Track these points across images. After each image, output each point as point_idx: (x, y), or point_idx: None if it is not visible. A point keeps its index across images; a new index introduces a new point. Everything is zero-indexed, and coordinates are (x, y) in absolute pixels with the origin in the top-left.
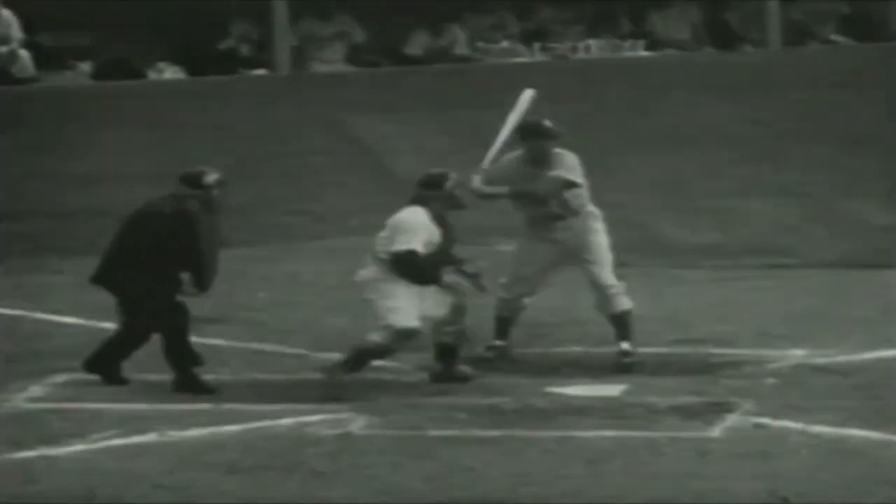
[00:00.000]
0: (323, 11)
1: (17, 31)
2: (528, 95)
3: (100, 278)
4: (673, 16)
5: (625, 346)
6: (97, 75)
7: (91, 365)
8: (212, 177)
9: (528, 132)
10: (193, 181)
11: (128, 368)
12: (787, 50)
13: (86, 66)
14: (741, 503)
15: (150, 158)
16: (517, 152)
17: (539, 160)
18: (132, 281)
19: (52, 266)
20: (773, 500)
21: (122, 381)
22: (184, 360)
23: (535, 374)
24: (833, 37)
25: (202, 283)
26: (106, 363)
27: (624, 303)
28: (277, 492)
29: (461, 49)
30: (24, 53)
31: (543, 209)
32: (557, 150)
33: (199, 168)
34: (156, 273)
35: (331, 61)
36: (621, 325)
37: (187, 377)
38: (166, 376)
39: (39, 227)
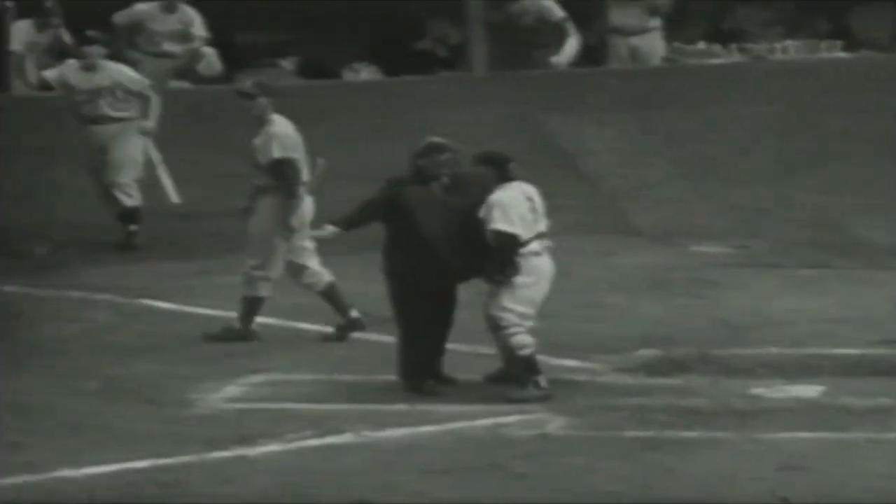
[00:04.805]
0: None
1: (199, 29)
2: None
3: (385, 269)
4: (872, 16)
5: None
6: (297, 74)
7: (406, 379)
8: (419, 146)
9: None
10: (415, 152)
11: (327, 368)
12: None
13: (288, 64)
14: None
15: (340, 158)
16: None
17: (255, 122)
18: (402, 271)
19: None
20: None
21: (449, 382)
22: (416, 362)
23: (732, 376)
24: None
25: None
26: (419, 367)
27: (262, 289)
28: (474, 493)
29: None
30: (209, 51)
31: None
32: (275, 117)
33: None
34: (417, 256)
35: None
36: (247, 306)
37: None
38: (361, 376)
39: (233, 226)
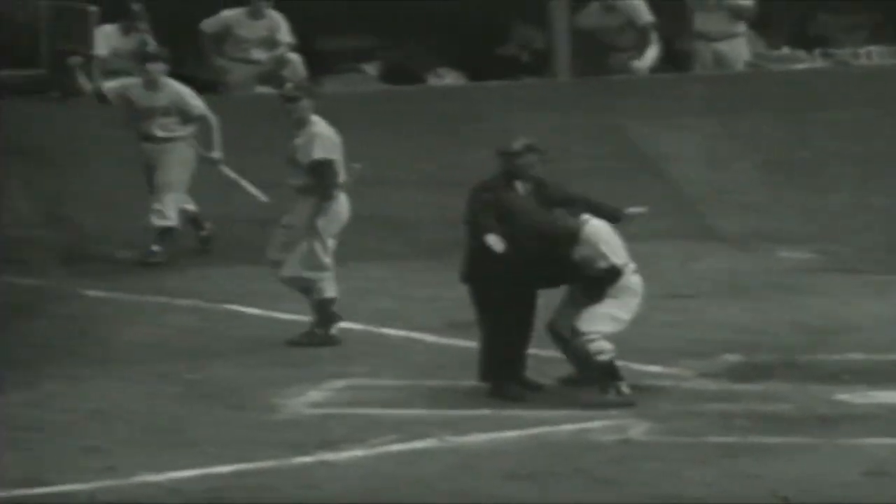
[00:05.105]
0: None
1: (285, 35)
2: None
3: (465, 276)
4: None
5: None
6: (381, 79)
7: (490, 383)
8: (518, 143)
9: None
10: (502, 151)
11: (410, 373)
12: None
13: (371, 70)
14: None
15: (422, 164)
16: None
17: (295, 123)
18: (488, 275)
19: None
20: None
21: (535, 387)
22: (498, 367)
23: (816, 381)
24: None
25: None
26: (503, 372)
27: (327, 290)
28: (557, 498)
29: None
30: (294, 57)
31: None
32: (315, 119)
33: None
34: (503, 260)
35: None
36: (320, 311)
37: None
38: (445, 381)
39: None
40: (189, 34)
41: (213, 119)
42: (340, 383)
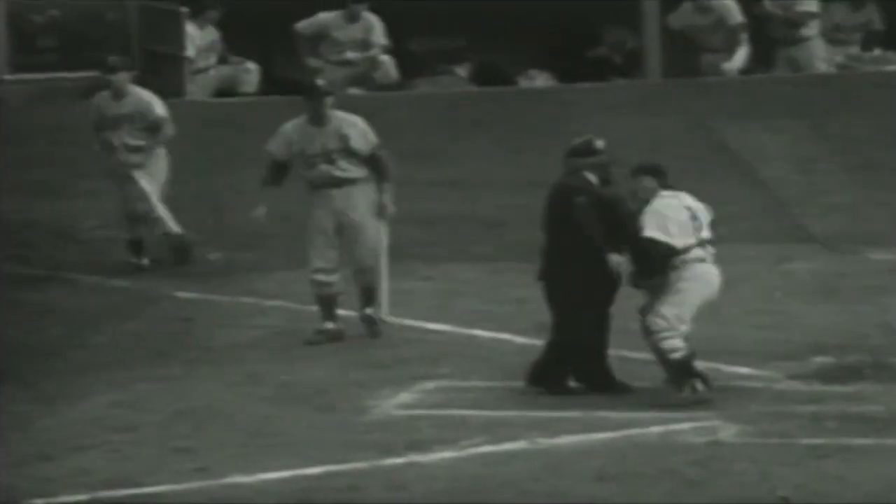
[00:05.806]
0: None
1: (379, 37)
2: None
3: (542, 275)
4: None
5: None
6: (472, 80)
7: (535, 380)
8: (601, 141)
9: (303, 93)
10: (584, 150)
11: (500, 375)
12: None
13: (462, 71)
14: None
15: (513, 165)
16: (300, 117)
17: (317, 119)
18: (565, 277)
19: (419, 272)
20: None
21: (624, 388)
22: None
23: None
24: None
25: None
26: (549, 377)
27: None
28: (646, 499)
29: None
30: (386, 59)
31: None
32: (339, 112)
33: (585, 137)
34: (582, 262)
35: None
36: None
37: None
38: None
39: (405, 233)
40: (278, 34)
41: (170, 130)
42: (430, 385)
